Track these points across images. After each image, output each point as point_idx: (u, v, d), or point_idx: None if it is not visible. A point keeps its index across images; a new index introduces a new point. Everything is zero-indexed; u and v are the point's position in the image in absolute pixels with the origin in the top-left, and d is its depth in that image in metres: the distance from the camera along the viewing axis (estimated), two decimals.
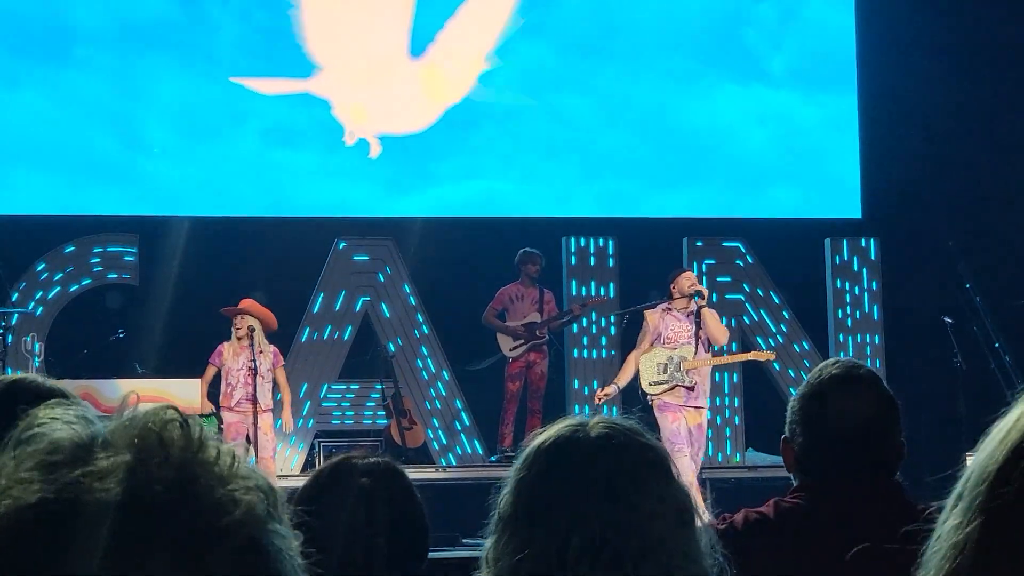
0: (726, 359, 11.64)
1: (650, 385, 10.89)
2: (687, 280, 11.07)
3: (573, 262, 13.41)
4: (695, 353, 10.91)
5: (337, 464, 2.82)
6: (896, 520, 2.81)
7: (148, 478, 1.00)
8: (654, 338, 11.05)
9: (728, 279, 13.51)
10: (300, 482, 2.94)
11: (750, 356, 11.59)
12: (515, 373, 12.74)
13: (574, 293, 13.39)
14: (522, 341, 12.52)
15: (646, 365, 10.95)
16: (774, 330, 13.52)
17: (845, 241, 13.77)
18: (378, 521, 2.66)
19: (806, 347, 13.48)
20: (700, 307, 10.93)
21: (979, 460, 1.32)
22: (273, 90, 13.66)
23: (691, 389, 10.84)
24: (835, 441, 2.93)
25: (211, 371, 11.47)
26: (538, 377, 12.71)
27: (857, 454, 2.92)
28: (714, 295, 13.34)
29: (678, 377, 10.87)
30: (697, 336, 10.93)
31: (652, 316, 11.16)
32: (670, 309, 11.06)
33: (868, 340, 13.50)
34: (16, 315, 12.34)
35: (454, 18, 13.89)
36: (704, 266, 13.49)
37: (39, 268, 12.82)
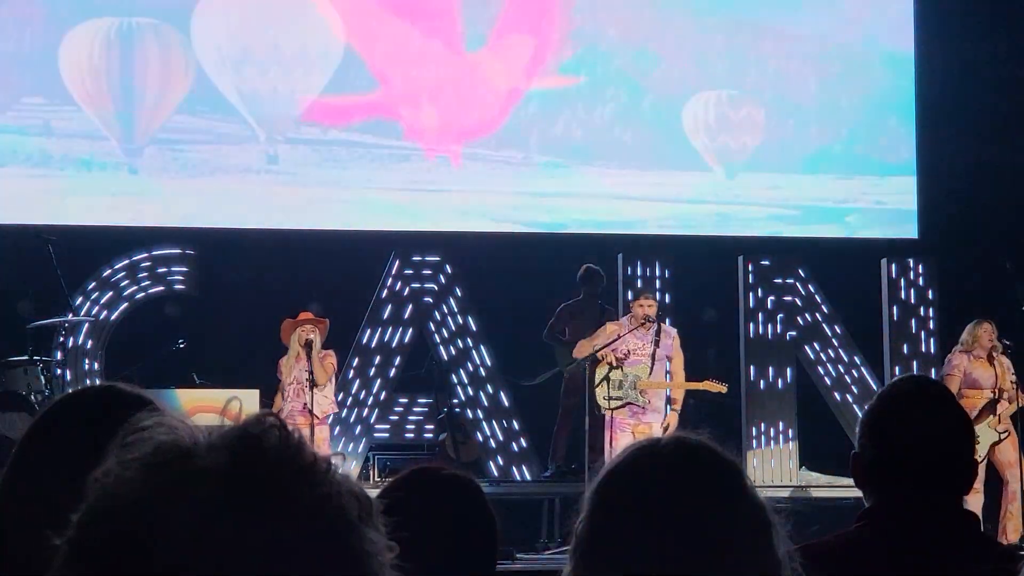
0: (683, 385, 11.63)
1: (604, 399, 11.20)
2: (641, 308, 11.33)
3: (628, 279, 13.36)
4: (650, 373, 11.25)
5: (409, 476, 2.83)
6: (968, 556, 2.82)
7: (244, 479, 1.04)
8: (606, 342, 11.32)
9: (783, 298, 13.47)
10: None
11: (702, 386, 11.57)
12: (572, 388, 12.73)
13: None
14: (580, 358, 12.51)
15: (601, 390, 11.28)
16: (828, 350, 13.46)
17: (902, 261, 13.70)
18: (445, 535, 2.67)
19: (861, 367, 13.41)
20: (657, 338, 11.31)
21: None
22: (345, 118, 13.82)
23: (643, 408, 11.21)
24: (906, 457, 2.90)
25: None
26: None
27: (928, 470, 2.89)
28: (769, 314, 13.35)
29: (632, 395, 11.25)
30: (653, 356, 11.25)
31: (613, 324, 11.51)
32: (629, 327, 11.38)
33: (924, 361, 13.42)
34: (78, 324, 12.47)
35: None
36: (759, 285, 13.46)
37: (101, 278, 12.95)
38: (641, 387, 11.25)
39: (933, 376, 12.96)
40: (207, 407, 11.27)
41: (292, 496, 1.05)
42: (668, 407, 11.67)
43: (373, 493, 2.82)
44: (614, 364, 11.26)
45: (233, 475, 1.04)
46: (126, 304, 12.98)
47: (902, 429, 2.93)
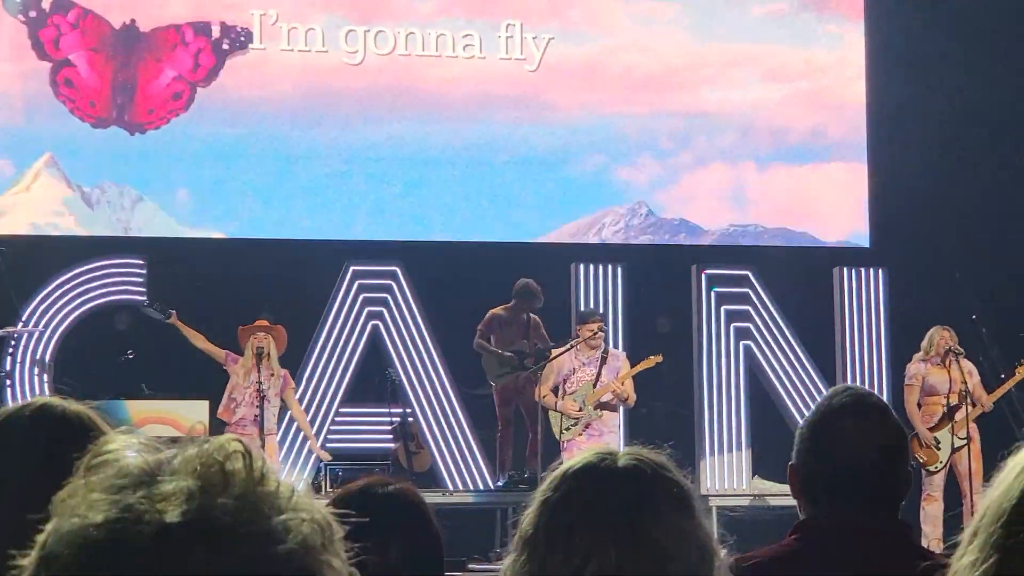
0: (627, 376, 11.68)
1: (564, 432, 11.38)
2: (590, 332, 11.53)
3: (582, 289, 13.38)
4: (594, 386, 11.45)
5: (351, 492, 2.81)
6: (899, 566, 2.84)
7: (208, 504, 1.05)
8: (558, 380, 11.55)
9: (736, 307, 13.51)
10: None
11: (640, 368, 11.69)
12: (506, 398, 12.74)
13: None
14: (508, 369, 12.52)
15: (555, 420, 11.46)
16: (782, 358, 13.51)
17: (853, 270, 13.78)
18: (391, 554, 2.66)
19: (813, 375, 13.47)
20: (604, 357, 11.57)
21: (994, 497, 1.32)
22: None
23: (599, 430, 11.36)
24: (843, 469, 2.93)
25: (222, 353, 11.46)
26: (532, 403, 12.58)
27: (864, 483, 2.92)
28: (723, 323, 13.39)
29: (585, 414, 11.38)
30: (598, 376, 11.47)
31: (558, 359, 11.67)
32: (575, 352, 11.55)
33: (875, 369, 13.51)
34: (26, 335, 12.36)
35: None
36: (713, 293, 13.49)
37: (49, 288, 12.83)
38: (591, 400, 11.32)
39: (886, 384, 13.06)
40: (156, 418, 11.22)
41: (256, 524, 1.05)
42: (622, 417, 11.75)
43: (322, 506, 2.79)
44: (556, 407, 11.41)
45: (195, 500, 1.05)
46: (75, 315, 12.85)
47: (839, 441, 2.96)
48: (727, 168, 14.59)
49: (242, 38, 13.66)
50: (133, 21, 13.51)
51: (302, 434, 12.55)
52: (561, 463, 1.98)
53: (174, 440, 1.11)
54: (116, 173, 13.57)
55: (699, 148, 14.52)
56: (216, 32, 13.65)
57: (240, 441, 1.10)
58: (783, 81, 14.67)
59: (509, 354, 12.60)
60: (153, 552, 1.02)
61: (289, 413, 11.92)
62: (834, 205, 14.65)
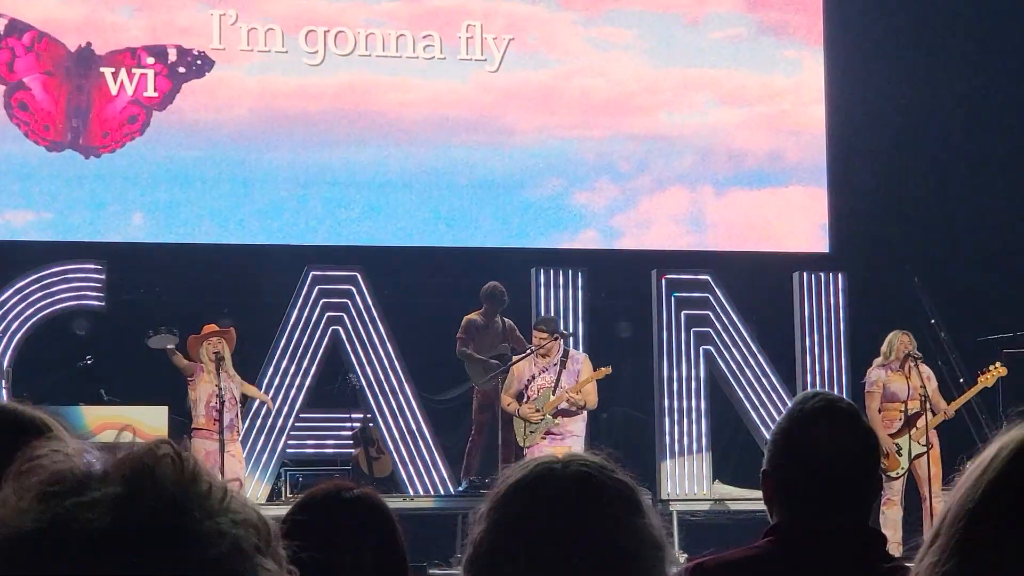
0: (585, 383, 11.73)
1: (527, 437, 11.46)
2: (538, 339, 11.62)
3: (542, 294, 13.40)
4: (553, 393, 11.50)
5: (314, 498, 2.80)
6: (869, 569, 2.85)
7: (138, 510, 1.03)
8: (520, 386, 11.61)
9: (696, 312, 13.54)
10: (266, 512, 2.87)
11: (592, 378, 11.71)
12: (485, 404, 12.74)
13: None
14: (493, 373, 12.53)
15: (518, 426, 11.54)
16: (742, 363, 13.55)
17: (813, 275, 13.84)
18: (364, 557, 2.65)
19: (774, 380, 13.52)
20: (563, 362, 11.62)
21: (955, 500, 1.32)
22: None
23: (560, 435, 11.38)
24: (816, 475, 2.93)
25: (184, 361, 11.34)
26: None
27: (837, 487, 2.93)
28: (683, 328, 13.42)
29: (544, 422, 11.45)
30: (557, 381, 11.51)
31: (518, 366, 11.74)
32: (535, 359, 11.59)
33: (835, 373, 13.56)
34: None
35: None
36: (673, 298, 13.52)
37: (6, 294, 12.73)
38: (548, 409, 11.34)
39: (845, 389, 13.12)
40: (114, 424, 11.14)
41: (186, 529, 1.04)
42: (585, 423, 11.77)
43: (285, 511, 2.79)
44: (519, 411, 11.43)
45: (124, 506, 1.04)
46: (33, 320, 12.76)
47: (812, 447, 2.96)
48: (685, 192, 14.62)
49: (199, 62, 13.59)
50: (89, 44, 13.43)
51: (263, 438, 12.53)
52: (506, 477, 1.96)
53: (107, 445, 1.10)
54: (71, 197, 13.44)
55: (657, 172, 14.54)
56: (172, 56, 13.58)
57: (170, 444, 1.08)
58: (741, 105, 14.72)
59: (495, 361, 12.61)
60: (81, 560, 1.01)
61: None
62: (792, 229, 14.71)
